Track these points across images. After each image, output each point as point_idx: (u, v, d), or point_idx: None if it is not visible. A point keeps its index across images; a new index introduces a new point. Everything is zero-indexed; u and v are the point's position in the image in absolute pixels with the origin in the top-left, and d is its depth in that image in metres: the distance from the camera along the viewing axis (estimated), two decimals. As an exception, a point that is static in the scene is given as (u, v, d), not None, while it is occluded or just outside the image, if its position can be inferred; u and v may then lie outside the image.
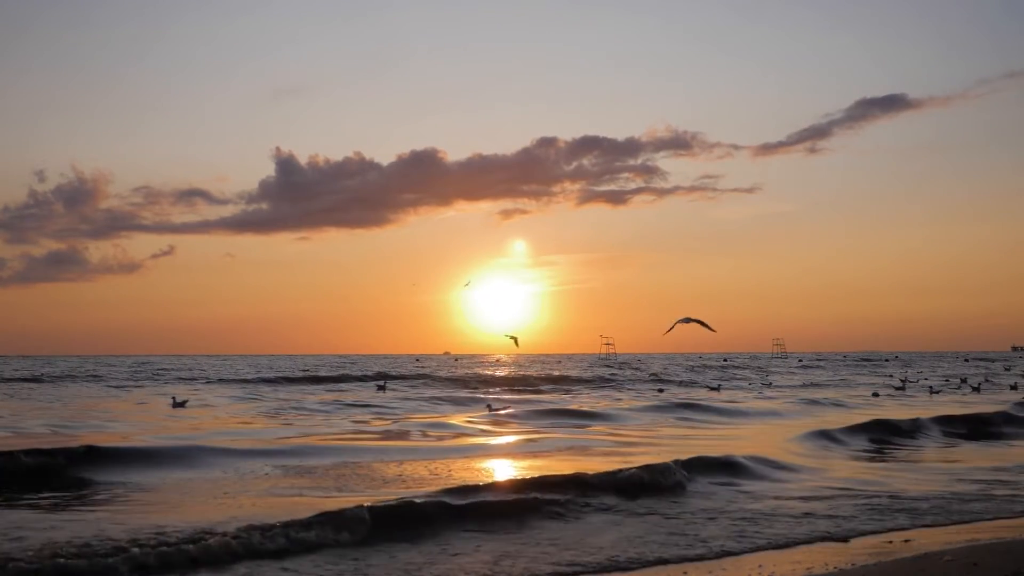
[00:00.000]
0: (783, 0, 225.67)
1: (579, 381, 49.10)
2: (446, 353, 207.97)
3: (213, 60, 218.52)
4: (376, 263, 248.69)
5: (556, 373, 59.89)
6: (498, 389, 42.13)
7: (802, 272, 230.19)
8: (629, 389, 41.79)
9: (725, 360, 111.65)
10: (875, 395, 34.45)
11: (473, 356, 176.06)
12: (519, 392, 39.96)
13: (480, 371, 66.76)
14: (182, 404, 27.30)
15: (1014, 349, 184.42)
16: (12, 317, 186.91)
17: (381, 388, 39.26)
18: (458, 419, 21.73)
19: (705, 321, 20.14)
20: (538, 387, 44.37)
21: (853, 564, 7.06)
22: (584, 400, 32.58)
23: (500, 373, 61.79)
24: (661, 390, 39.73)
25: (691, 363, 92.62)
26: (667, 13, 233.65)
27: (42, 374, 56.15)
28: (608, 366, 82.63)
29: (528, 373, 60.15)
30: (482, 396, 34.13)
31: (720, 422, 22.24)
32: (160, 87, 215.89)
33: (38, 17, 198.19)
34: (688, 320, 19.97)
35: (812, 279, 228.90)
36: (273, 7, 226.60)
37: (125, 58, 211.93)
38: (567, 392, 39.68)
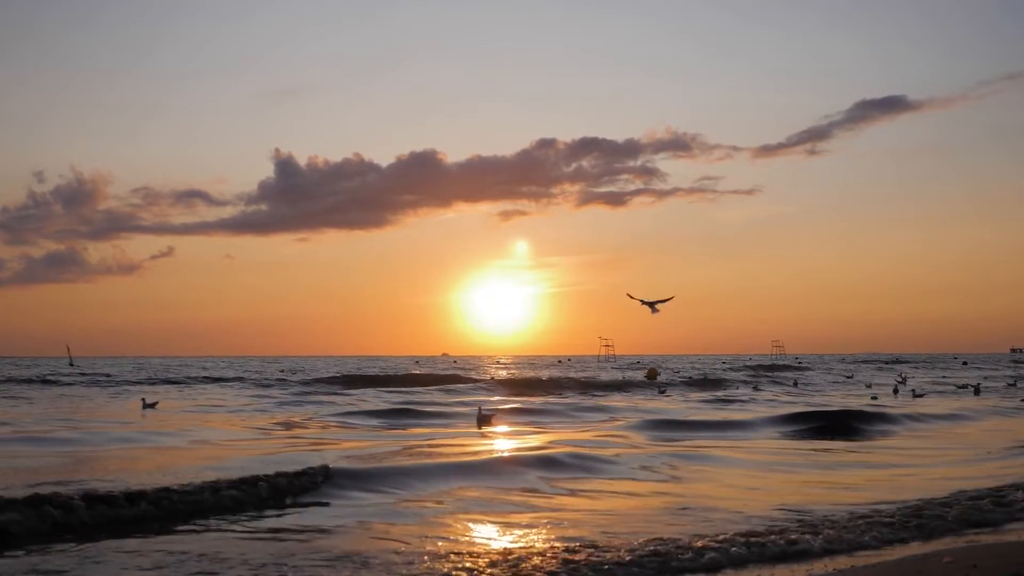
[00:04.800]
0: (783, 1, 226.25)
1: (632, 384, 46.43)
2: (444, 354, 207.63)
3: (213, 61, 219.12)
4: (375, 264, 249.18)
5: (608, 377, 56.08)
6: (548, 394, 38.86)
7: (801, 274, 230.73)
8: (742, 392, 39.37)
9: (724, 363, 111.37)
10: (874, 398, 34.30)
11: (471, 357, 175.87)
12: (594, 395, 37.73)
13: (521, 373, 63.91)
14: (152, 406, 27.57)
15: (1013, 351, 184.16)
16: (11, 318, 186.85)
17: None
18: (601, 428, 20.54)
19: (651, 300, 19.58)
20: (608, 392, 41.29)
21: (853, 566, 7.00)
22: (663, 404, 30.71)
23: (538, 375, 58.70)
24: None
25: (725, 365, 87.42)
26: (667, 14, 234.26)
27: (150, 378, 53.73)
28: (614, 366, 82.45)
29: (570, 375, 57.16)
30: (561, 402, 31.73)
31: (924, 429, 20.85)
32: (159, 88, 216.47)
33: (38, 18, 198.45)
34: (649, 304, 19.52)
35: (811, 281, 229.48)
36: (272, 9, 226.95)
37: (124, 59, 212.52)
38: (644, 396, 37.02)
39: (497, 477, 11.86)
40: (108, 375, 58.15)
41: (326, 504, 9.88)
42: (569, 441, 16.70)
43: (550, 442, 16.57)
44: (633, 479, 12.19)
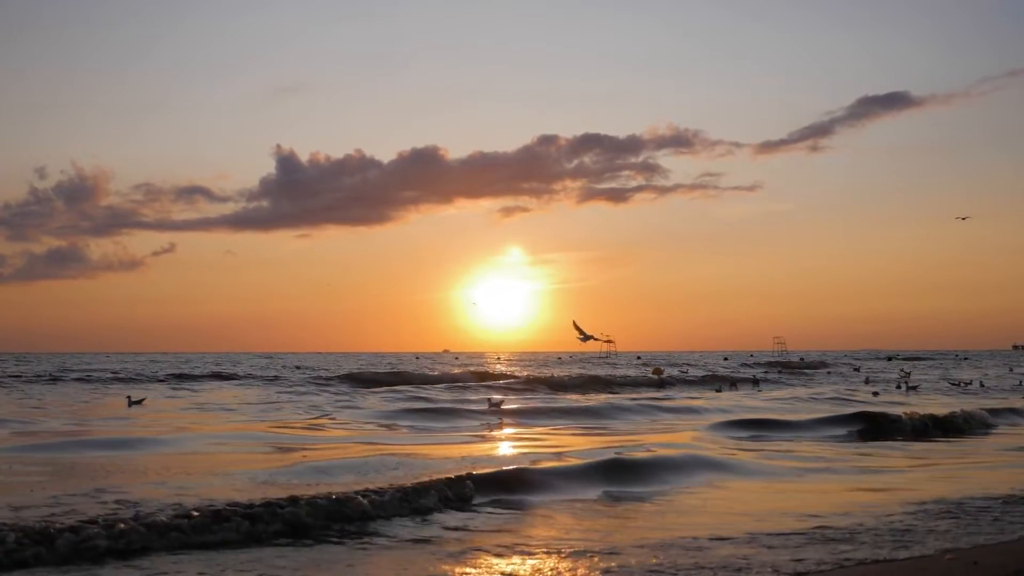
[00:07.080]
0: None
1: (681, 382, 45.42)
2: (445, 351, 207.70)
3: (214, 58, 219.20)
4: (377, 261, 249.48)
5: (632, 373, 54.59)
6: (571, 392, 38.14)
7: (803, 270, 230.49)
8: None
9: (726, 359, 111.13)
10: (875, 394, 34.25)
11: (473, 354, 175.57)
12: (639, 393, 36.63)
13: (544, 371, 60.75)
14: (139, 403, 26.94)
15: (1015, 348, 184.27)
16: (13, 315, 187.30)
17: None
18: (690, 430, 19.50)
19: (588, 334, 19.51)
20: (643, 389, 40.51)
21: (853, 563, 6.99)
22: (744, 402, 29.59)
23: (564, 373, 55.59)
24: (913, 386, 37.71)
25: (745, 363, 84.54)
26: (668, 11, 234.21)
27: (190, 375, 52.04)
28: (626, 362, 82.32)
29: (591, 373, 54.00)
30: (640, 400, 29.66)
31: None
32: (161, 85, 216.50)
33: (39, 15, 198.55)
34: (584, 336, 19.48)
35: (813, 277, 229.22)
36: (274, 5, 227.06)
37: (126, 56, 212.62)
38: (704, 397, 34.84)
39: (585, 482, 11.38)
40: (113, 371, 58.03)
41: (487, 511, 9.57)
42: (656, 443, 15.54)
43: (622, 443, 15.63)
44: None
